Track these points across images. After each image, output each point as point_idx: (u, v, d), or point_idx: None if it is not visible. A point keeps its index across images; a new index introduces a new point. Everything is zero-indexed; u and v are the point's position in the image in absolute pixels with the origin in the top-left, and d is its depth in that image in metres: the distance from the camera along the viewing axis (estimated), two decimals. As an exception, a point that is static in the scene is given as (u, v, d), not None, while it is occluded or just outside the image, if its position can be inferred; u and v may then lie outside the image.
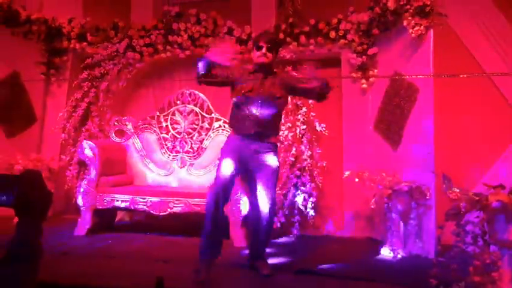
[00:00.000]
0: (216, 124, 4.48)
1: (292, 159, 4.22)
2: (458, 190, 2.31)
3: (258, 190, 2.87)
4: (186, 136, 4.60)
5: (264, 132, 2.89)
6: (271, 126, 2.94)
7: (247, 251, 3.19)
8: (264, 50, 2.87)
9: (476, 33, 3.78)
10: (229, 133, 3.04)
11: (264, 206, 2.85)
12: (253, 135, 2.86)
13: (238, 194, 3.67)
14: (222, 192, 2.79)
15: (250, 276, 2.83)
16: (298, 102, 4.30)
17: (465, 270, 2.25)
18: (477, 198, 2.20)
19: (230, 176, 2.82)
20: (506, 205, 2.10)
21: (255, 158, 2.87)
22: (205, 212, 2.83)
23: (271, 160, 2.90)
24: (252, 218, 3.04)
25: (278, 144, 3.19)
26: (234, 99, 2.92)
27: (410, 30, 3.58)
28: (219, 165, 2.87)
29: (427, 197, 3.40)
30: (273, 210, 2.91)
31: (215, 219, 2.76)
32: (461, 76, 2.57)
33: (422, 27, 3.52)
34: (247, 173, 2.96)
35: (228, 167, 2.82)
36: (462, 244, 2.26)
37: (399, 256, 3.39)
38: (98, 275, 2.78)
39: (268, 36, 3.00)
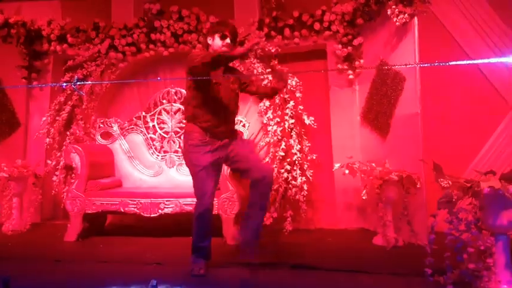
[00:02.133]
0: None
1: (282, 153, 4.19)
2: (449, 178, 2.30)
3: (251, 164, 2.88)
4: (174, 135, 4.55)
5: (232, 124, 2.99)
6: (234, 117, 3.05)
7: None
8: (228, 40, 2.84)
9: (460, 19, 3.79)
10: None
11: (265, 169, 2.90)
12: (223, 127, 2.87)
13: (230, 191, 3.64)
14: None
15: (245, 273, 2.80)
16: (286, 96, 4.27)
17: (459, 257, 2.25)
18: (469, 185, 2.20)
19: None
20: (498, 191, 2.09)
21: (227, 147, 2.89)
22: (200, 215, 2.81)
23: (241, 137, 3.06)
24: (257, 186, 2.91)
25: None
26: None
27: (395, 19, 3.57)
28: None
29: (418, 186, 3.40)
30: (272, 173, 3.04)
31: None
32: (443, 64, 2.55)
33: (406, 15, 3.51)
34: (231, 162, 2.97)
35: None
36: (455, 232, 2.26)
37: (392, 246, 3.39)
38: (90, 280, 2.73)
39: (232, 27, 2.94)
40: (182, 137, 3.04)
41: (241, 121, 4.18)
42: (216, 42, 2.86)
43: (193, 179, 2.83)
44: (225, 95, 2.87)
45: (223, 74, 2.88)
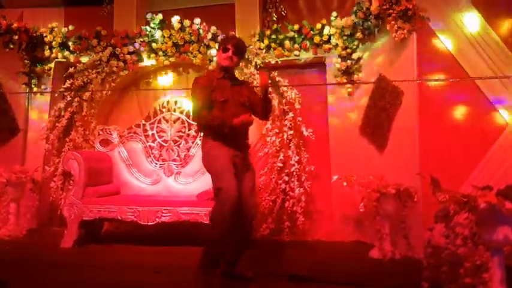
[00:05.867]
0: (202, 131, 4.44)
1: (280, 164, 4.21)
2: (446, 192, 2.32)
3: (246, 191, 2.82)
4: (173, 144, 4.57)
5: (242, 136, 2.93)
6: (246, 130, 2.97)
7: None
8: (230, 53, 2.87)
9: (458, 36, 3.84)
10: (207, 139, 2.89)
11: (252, 206, 2.84)
12: (235, 140, 2.85)
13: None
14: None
15: (243, 284, 2.80)
16: (285, 108, 4.30)
17: (456, 272, 2.27)
18: (465, 199, 2.22)
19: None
20: (495, 206, 2.11)
21: (241, 159, 2.87)
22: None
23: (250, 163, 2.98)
24: (238, 221, 2.83)
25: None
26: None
27: (394, 34, 3.62)
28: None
29: (415, 200, 3.42)
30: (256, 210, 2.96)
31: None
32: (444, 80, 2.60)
33: (405, 30, 3.56)
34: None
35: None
36: (452, 246, 2.27)
37: (388, 259, 3.40)
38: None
39: (236, 40, 3.00)
40: (201, 149, 2.97)
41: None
42: (220, 55, 2.92)
43: (214, 175, 2.76)
44: (234, 110, 2.84)
45: (230, 87, 2.89)
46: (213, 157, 2.80)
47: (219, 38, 4.50)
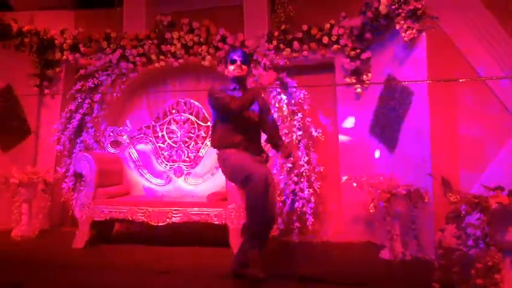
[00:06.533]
0: (212, 132, 4.46)
1: (290, 165, 4.22)
2: (457, 193, 2.31)
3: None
4: (183, 145, 4.59)
5: (258, 142, 3.09)
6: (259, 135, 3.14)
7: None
8: (238, 63, 3.00)
9: (468, 35, 3.81)
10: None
11: (272, 206, 2.82)
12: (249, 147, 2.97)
13: (238, 202, 3.66)
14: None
15: (253, 285, 2.81)
16: (294, 108, 4.31)
17: (467, 273, 2.26)
18: (477, 200, 2.21)
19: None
20: (506, 207, 2.10)
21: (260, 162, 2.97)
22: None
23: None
24: None
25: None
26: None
27: (403, 34, 3.61)
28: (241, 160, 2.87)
29: (426, 200, 3.41)
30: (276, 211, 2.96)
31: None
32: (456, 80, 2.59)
33: (414, 30, 3.55)
34: None
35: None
36: (463, 247, 2.26)
37: (399, 260, 3.39)
38: (98, 289, 2.75)
39: (240, 50, 3.13)
40: (219, 164, 3.09)
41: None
42: (229, 68, 3.05)
43: (238, 169, 2.84)
44: (247, 120, 2.98)
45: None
46: (232, 160, 2.91)
47: (228, 39, 4.52)
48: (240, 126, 2.97)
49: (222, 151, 3.00)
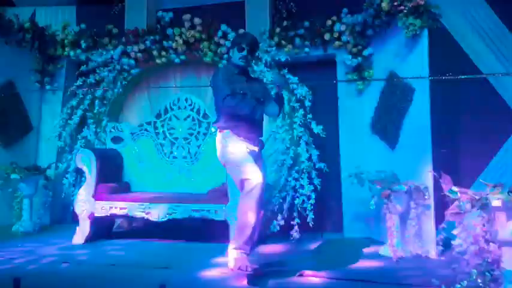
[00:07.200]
0: (213, 129, 4.46)
1: (290, 161, 4.21)
2: (458, 190, 2.31)
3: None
4: (183, 141, 4.59)
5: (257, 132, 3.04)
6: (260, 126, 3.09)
7: None
8: (245, 53, 2.96)
9: (471, 32, 3.81)
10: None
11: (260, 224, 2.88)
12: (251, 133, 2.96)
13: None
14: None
15: (254, 281, 2.81)
16: (295, 105, 4.30)
17: (467, 269, 2.26)
18: (477, 197, 2.21)
19: None
20: (506, 204, 2.10)
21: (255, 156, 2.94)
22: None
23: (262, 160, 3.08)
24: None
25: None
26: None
27: (405, 31, 3.59)
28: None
29: (426, 197, 3.40)
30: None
31: None
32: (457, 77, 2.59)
33: (416, 27, 3.54)
34: None
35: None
36: (464, 243, 2.26)
37: (399, 256, 3.39)
38: (99, 284, 2.76)
39: (251, 38, 3.05)
40: (219, 144, 3.02)
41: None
42: (235, 55, 3.00)
43: (236, 168, 2.85)
44: (251, 104, 2.94)
45: (246, 83, 2.99)
46: (231, 149, 2.89)
47: (229, 35, 4.51)
48: (240, 116, 2.93)
49: (223, 134, 2.97)
